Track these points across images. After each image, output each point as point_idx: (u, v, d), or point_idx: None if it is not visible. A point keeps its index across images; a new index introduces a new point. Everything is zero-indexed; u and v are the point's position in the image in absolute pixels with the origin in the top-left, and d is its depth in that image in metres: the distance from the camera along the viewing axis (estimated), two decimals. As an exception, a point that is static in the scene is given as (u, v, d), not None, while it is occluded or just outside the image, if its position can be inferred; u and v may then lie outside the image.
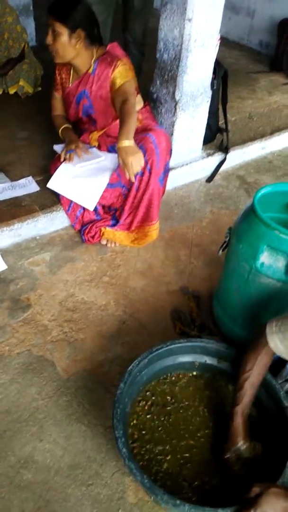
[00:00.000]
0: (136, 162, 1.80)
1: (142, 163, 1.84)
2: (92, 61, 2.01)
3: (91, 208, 2.09)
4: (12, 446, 1.41)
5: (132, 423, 1.38)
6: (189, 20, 2.06)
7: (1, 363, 1.63)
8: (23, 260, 2.07)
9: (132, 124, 1.84)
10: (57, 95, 2.24)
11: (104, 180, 2.06)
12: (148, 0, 2.57)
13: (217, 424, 1.39)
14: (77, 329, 1.78)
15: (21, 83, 3.00)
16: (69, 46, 1.91)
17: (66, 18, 1.85)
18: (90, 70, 2.02)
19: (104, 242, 2.17)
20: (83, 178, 2.06)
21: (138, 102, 2.08)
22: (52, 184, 2.08)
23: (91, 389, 1.58)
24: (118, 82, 1.97)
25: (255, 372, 1.26)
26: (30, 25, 3.63)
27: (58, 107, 2.28)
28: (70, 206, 2.17)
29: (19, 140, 2.66)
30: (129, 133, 1.80)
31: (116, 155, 1.90)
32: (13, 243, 2.13)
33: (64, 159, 2.09)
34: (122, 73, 1.97)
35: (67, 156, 2.09)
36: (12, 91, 3.06)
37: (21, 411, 1.49)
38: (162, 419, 1.40)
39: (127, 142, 1.78)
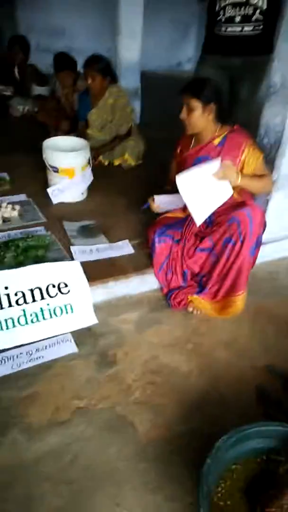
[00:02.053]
0: (230, 173, 2.04)
1: (233, 180, 2.06)
2: (219, 134, 2.19)
3: (198, 222, 2.17)
4: (90, 505, 1.40)
5: (212, 502, 1.32)
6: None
7: (85, 416, 1.67)
8: (113, 316, 2.17)
9: (255, 181, 2.14)
10: (175, 163, 2.45)
11: (223, 196, 2.13)
12: (256, 93, 2.79)
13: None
14: (159, 394, 1.79)
15: (125, 156, 3.32)
16: (201, 118, 2.13)
17: (199, 94, 2.08)
18: (216, 142, 2.19)
19: (190, 309, 2.22)
20: (208, 189, 2.13)
21: None
22: (181, 179, 2.12)
23: (169, 460, 1.55)
24: (251, 161, 2.15)
25: None
26: (137, 106, 4.06)
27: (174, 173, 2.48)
28: (161, 268, 2.28)
29: (119, 207, 2.89)
30: (246, 177, 2.10)
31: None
32: (106, 299, 2.25)
33: None
34: (253, 153, 2.15)
35: None
36: (116, 162, 3.39)
37: (100, 470, 1.50)
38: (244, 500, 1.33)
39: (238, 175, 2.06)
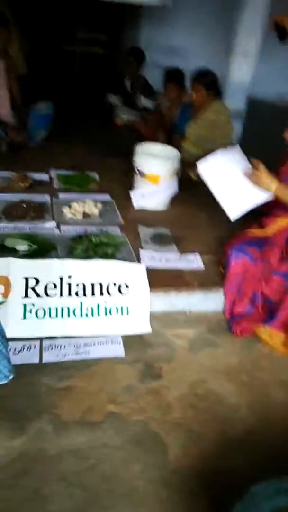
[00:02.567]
0: (261, 181, 2.01)
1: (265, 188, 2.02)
2: None
3: (231, 216, 2.09)
4: (99, 518, 1.30)
5: None
6: None
7: (117, 423, 1.57)
8: (167, 329, 2.06)
9: None
10: None
11: (263, 196, 2.04)
12: None
13: None
14: (199, 420, 1.63)
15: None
16: None
17: None
18: None
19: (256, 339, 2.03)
20: (243, 182, 2.04)
21: None
22: (203, 166, 2.11)
23: (197, 494, 1.39)
24: None
25: None
26: (238, 128, 3.97)
27: None
28: (231, 285, 2.13)
29: (198, 220, 2.80)
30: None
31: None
32: (164, 310, 2.15)
33: None
34: None
35: None
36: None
37: (119, 485, 1.38)
38: None
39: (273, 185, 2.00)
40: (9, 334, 1.84)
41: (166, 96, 3.85)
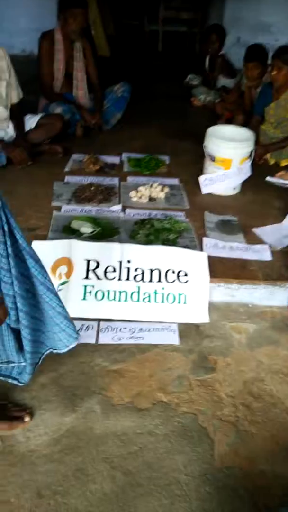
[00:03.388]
0: None
1: None
2: None
3: None
4: (137, 505, 1.30)
5: None
6: None
7: (165, 412, 1.56)
8: (226, 321, 1.98)
9: None
10: None
11: None
12: None
13: None
14: (251, 420, 1.56)
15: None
16: None
17: None
18: None
19: None
20: None
21: None
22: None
23: (240, 496, 1.33)
24: None
25: None
26: None
27: None
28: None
29: (270, 209, 2.64)
30: None
31: None
32: (224, 301, 2.07)
33: None
34: None
35: None
36: (284, 163, 3.10)
37: (161, 475, 1.38)
38: None
39: None
40: (69, 313, 1.91)
41: (247, 75, 3.63)
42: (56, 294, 1.41)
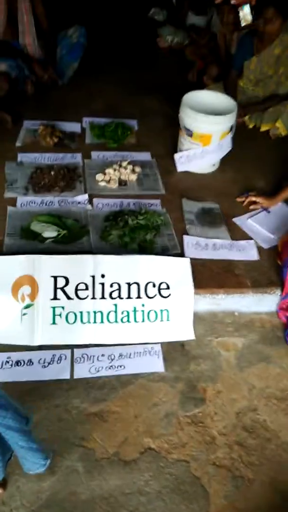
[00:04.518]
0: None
1: None
2: None
3: None
4: None
5: None
6: None
7: (155, 462, 1.42)
8: (213, 336, 1.81)
9: None
10: None
11: None
12: None
13: None
14: (247, 462, 1.45)
15: (277, 123, 2.70)
16: None
17: None
18: None
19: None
20: None
21: None
22: None
23: None
24: None
25: None
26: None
27: None
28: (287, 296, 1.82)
29: (255, 189, 2.37)
30: None
31: None
32: (209, 310, 1.89)
33: None
34: None
35: None
36: (264, 128, 2.79)
37: None
38: None
39: None
40: (37, 341, 1.67)
41: (220, 19, 3.14)
42: (19, 431, 1.14)
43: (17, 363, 1.63)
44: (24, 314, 1.70)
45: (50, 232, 1.91)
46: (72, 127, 2.73)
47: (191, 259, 1.88)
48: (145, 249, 1.95)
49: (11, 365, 1.63)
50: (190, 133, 2.32)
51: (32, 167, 2.33)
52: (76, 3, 4.11)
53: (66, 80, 3.20)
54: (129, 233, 1.97)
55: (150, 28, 4.19)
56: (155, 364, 1.69)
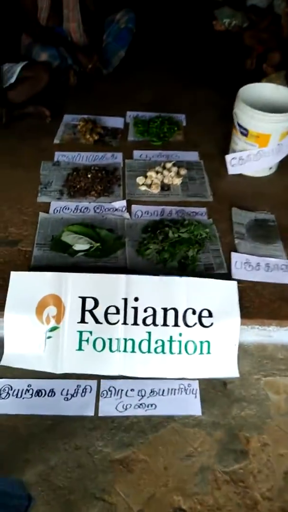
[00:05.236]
0: None
1: None
2: None
3: None
4: None
5: None
6: None
7: (183, 530, 1.22)
8: (260, 374, 1.56)
9: None
10: None
11: None
12: None
13: None
14: (295, 540, 1.22)
15: None
16: None
17: None
18: None
19: None
20: None
21: None
22: None
23: None
24: None
25: None
26: None
27: None
28: None
29: None
30: None
31: None
32: (258, 342, 1.63)
33: None
34: None
35: None
36: None
37: None
38: None
39: None
40: (61, 368, 1.51)
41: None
42: None
43: (38, 393, 1.48)
44: (49, 337, 1.54)
45: (82, 245, 1.73)
46: (115, 122, 2.53)
47: (239, 281, 1.64)
48: (186, 266, 1.73)
49: (31, 394, 1.48)
50: (245, 132, 2.03)
51: (69, 168, 2.15)
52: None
53: (111, 69, 2.99)
54: (169, 248, 1.75)
55: (206, 10, 3.86)
56: (192, 405, 1.47)
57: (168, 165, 2.14)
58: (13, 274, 1.58)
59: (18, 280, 1.58)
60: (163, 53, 3.34)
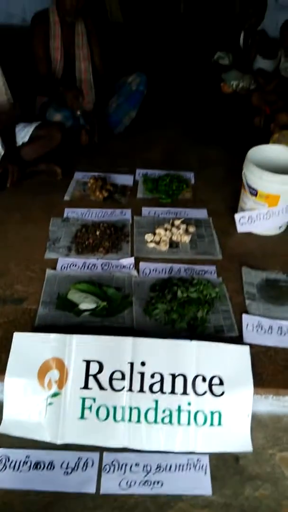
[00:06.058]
0: None
1: None
2: None
3: None
4: None
5: None
6: None
7: None
8: (275, 449, 1.45)
9: None
10: None
11: None
12: None
13: None
14: None
15: None
16: None
17: None
18: None
19: None
20: None
21: None
22: None
23: None
24: None
25: None
26: None
27: None
28: None
29: None
30: None
31: None
32: (272, 413, 1.54)
33: None
34: None
35: None
36: None
37: None
38: None
39: None
40: (62, 438, 1.42)
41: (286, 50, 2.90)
42: None
43: (36, 465, 1.38)
44: (50, 403, 1.46)
45: (88, 304, 1.69)
46: (125, 179, 2.57)
47: (251, 345, 1.56)
48: (195, 328, 1.67)
49: (30, 467, 1.38)
50: (254, 192, 2.04)
51: (78, 224, 2.16)
52: (137, 50, 4.09)
53: (122, 128, 3.09)
54: (178, 309, 1.70)
55: (214, 73, 4.05)
56: (201, 483, 1.36)
57: (177, 222, 2.14)
58: (16, 336, 1.53)
59: (21, 341, 1.53)
60: (173, 113, 3.47)
